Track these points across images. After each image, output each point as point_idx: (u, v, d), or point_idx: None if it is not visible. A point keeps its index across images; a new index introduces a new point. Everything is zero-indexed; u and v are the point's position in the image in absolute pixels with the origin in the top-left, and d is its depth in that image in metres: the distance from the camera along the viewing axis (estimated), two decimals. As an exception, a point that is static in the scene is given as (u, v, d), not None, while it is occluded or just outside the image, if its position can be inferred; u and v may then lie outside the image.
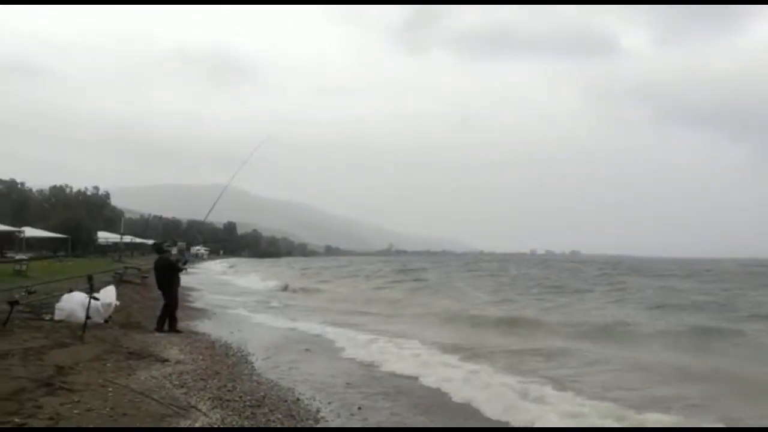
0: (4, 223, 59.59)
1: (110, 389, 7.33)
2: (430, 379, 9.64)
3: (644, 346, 13.66)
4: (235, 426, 6.53)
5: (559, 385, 9.13)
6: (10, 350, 8.95)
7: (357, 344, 13.14)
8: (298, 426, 6.88)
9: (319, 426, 6.99)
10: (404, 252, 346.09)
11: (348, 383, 9.44)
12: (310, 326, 16.58)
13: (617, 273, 46.68)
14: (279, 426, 6.81)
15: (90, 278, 11.84)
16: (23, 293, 14.00)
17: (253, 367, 10.36)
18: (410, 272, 51.65)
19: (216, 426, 6.42)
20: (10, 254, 47.86)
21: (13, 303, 11.49)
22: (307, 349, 12.59)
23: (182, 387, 8.05)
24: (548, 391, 8.67)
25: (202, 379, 8.67)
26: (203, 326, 15.79)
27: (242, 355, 11.35)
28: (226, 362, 10.43)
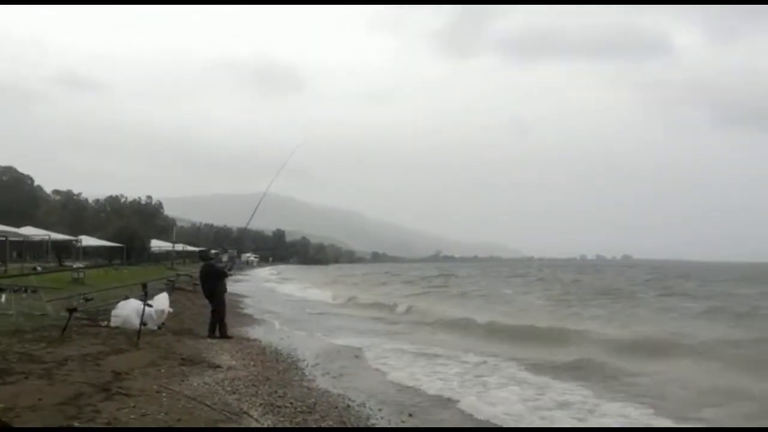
0: (62, 232, 61.66)
1: (164, 395, 7.45)
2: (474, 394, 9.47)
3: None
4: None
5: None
6: (70, 356, 9.20)
7: (408, 353, 13.09)
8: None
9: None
10: (452, 258, 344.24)
11: (399, 390, 9.41)
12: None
13: (680, 279, 45.47)
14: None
15: (144, 286, 12.13)
16: (81, 300, 14.41)
17: (303, 373, 10.43)
18: (454, 278, 51.40)
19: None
20: (68, 262, 49.40)
21: (71, 310, 11.82)
22: (357, 356, 12.61)
23: (234, 393, 8.14)
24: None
25: (253, 385, 8.76)
26: (253, 332, 15.99)
27: (292, 362, 11.44)
28: (276, 368, 10.53)
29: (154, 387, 7.82)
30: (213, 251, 14.99)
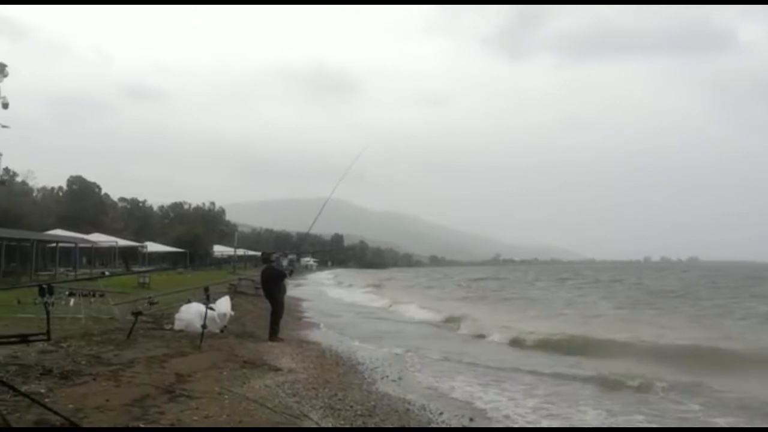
0: (128, 238, 63.76)
1: (226, 397, 7.52)
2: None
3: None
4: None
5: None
6: (136, 358, 9.41)
7: (465, 364, 12.92)
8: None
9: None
10: (511, 261, 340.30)
11: (455, 398, 9.28)
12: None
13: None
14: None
15: (206, 289, 12.34)
16: (146, 304, 14.78)
17: (362, 376, 10.40)
18: (520, 284, 50.58)
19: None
20: (134, 268, 51.03)
21: (137, 314, 12.12)
22: (414, 362, 12.53)
23: (294, 395, 8.16)
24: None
25: (313, 388, 8.77)
26: (312, 335, 16.10)
27: (351, 365, 11.43)
28: (336, 371, 10.54)
29: (216, 389, 7.91)
30: (274, 254, 15.11)
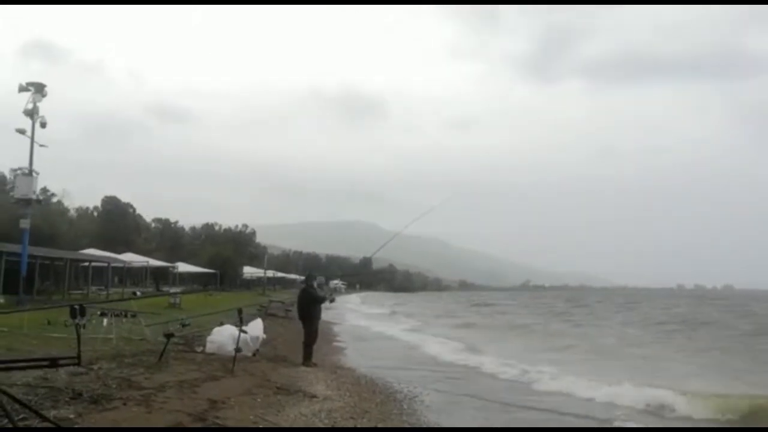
0: (160, 259, 64.18)
1: (261, 426, 7.14)
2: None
3: None
4: None
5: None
6: (167, 382, 9.07)
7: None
8: None
9: None
10: (542, 287, 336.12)
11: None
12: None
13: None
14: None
15: (240, 312, 11.99)
16: (178, 326, 14.50)
17: (401, 406, 9.92)
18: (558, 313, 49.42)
19: None
20: (165, 288, 51.20)
21: (169, 336, 11.83)
22: (457, 387, 12.00)
23: (332, 425, 7.75)
24: None
25: (351, 418, 8.35)
26: (346, 360, 15.67)
27: (390, 393, 10.95)
28: (373, 400, 10.07)
29: (251, 417, 7.54)
30: (313, 276, 14.75)
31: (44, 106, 26.31)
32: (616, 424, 9.29)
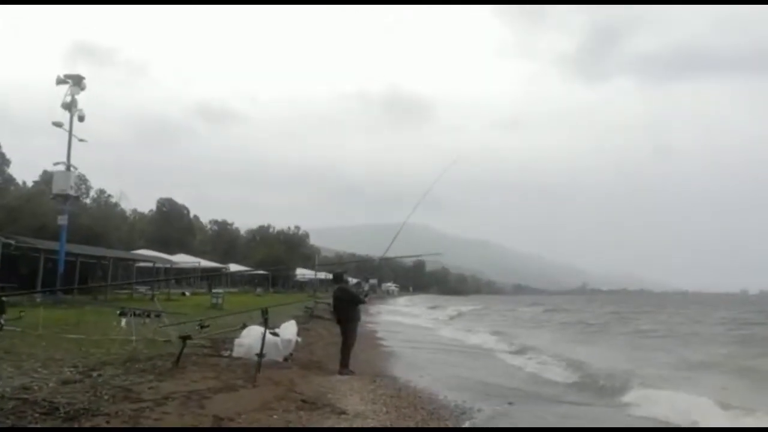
0: (215, 260, 64.23)
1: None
2: None
3: None
4: None
5: None
6: (173, 393, 7.82)
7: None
8: None
9: None
10: (598, 291, 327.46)
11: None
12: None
13: None
14: None
15: (264, 311, 10.56)
16: (197, 327, 13.25)
17: (447, 425, 8.40)
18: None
19: None
20: (216, 289, 50.82)
21: (185, 338, 10.61)
22: (510, 403, 10.39)
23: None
24: None
25: (383, 442, 6.89)
26: (388, 368, 14.21)
27: (434, 409, 9.35)
28: (414, 417, 8.53)
29: (258, 441, 6.18)
30: (346, 274, 13.44)
31: (96, 111, 25.76)
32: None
